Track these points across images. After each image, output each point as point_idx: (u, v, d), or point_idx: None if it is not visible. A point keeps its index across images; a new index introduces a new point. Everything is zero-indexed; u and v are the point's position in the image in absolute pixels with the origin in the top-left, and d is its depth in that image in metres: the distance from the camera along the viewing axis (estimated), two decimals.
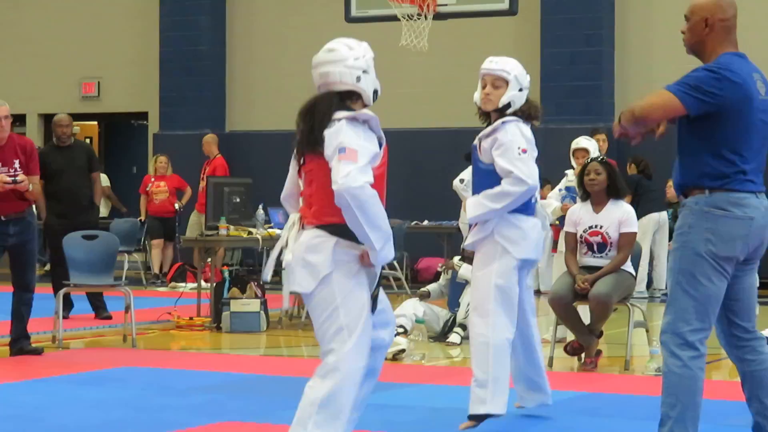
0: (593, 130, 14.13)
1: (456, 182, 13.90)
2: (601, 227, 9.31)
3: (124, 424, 7.25)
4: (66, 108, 17.53)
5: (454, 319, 11.01)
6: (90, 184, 12.64)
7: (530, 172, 6.62)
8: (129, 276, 17.28)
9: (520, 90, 6.79)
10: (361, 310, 5.51)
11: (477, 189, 6.83)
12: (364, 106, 5.63)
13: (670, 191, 16.35)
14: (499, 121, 6.73)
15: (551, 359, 9.32)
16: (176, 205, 18.00)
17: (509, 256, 6.67)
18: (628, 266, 9.31)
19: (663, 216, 15.73)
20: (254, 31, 20.08)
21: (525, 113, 6.79)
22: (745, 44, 5.67)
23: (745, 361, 5.60)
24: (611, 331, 10.57)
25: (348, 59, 5.58)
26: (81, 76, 21.16)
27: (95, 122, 22.70)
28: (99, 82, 21.16)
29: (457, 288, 11.19)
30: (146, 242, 18.26)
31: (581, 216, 9.44)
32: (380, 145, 5.56)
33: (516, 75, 6.78)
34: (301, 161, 5.63)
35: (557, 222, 10.97)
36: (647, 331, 9.87)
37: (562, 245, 9.98)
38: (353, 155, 5.35)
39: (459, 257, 11.40)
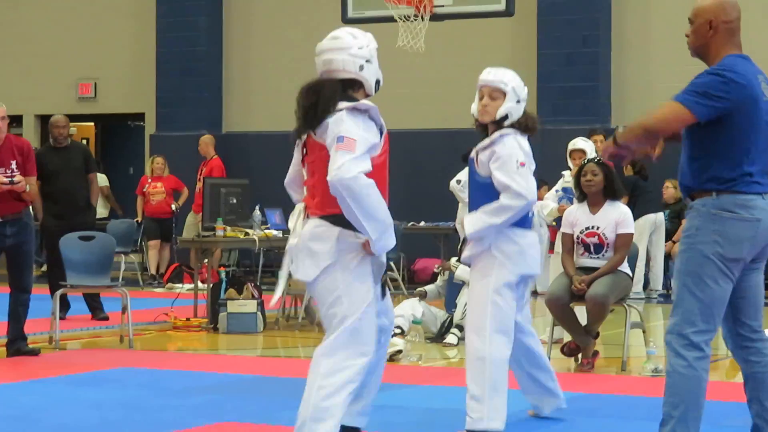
0: (591, 131, 14.14)
1: (453, 183, 13.89)
2: (597, 228, 9.32)
3: (121, 424, 7.25)
4: (63, 109, 17.51)
5: (451, 319, 11.01)
6: (87, 185, 12.64)
7: (528, 186, 6.56)
8: (126, 277, 17.23)
9: (518, 102, 6.72)
10: (364, 300, 5.57)
11: (474, 202, 6.77)
12: (366, 95, 5.67)
13: (667, 192, 16.37)
14: (497, 134, 6.68)
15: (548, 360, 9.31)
16: (173, 206, 18.00)
17: (506, 271, 6.60)
18: (624, 267, 9.32)
19: (659, 217, 15.74)
20: (251, 32, 20.08)
21: (522, 125, 6.72)
22: (746, 45, 5.67)
23: (750, 362, 5.61)
24: (608, 332, 10.57)
25: (352, 48, 5.62)
26: (78, 77, 21.15)
27: (92, 123, 22.70)
28: (96, 83, 21.15)
29: (454, 289, 11.19)
30: (143, 243, 18.25)
31: (578, 217, 9.44)
32: (381, 134, 5.60)
33: (514, 87, 6.73)
34: (304, 151, 5.68)
35: (554, 223, 10.98)
36: (644, 331, 9.87)
37: (558, 246, 9.98)
38: (351, 145, 5.40)
39: (456, 258, 11.40)
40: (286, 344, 11.69)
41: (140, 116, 21.23)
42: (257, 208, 12.89)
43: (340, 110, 5.52)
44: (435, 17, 12.73)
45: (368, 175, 5.48)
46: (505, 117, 6.70)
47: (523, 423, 7.12)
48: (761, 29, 15.57)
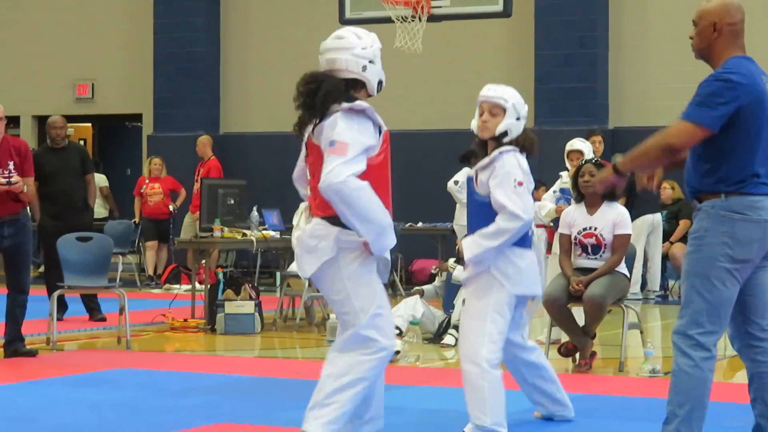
0: (589, 132, 14.15)
1: (450, 184, 13.91)
2: (595, 229, 9.32)
3: (118, 425, 7.25)
4: (60, 110, 17.52)
5: (449, 320, 11.02)
6: (84, 185, 12.64)
7: (525, 206, 6.52)
8: (123, 278, 17.20)
9: (518, 119, 6.69)
10: (373, 296, 5.59)
11: (472, 222, 6.74)
12: (368, 95, 5.68)
13: (664, 193, 16.36)
14: (497, 152, 6.64)
15: None
16: (171, 207, 18.00)
17: (504, 291, 6.56)
18: (622, 268, 9.32)
19: (657, 218, 15.73)
20: (249, 32, 20.07)
21: (521, 144, 6.69)
22: (749, 46, 5.68)
23: (756, 361, 5.63)
24: (605, 332, 10.57)
25: (356, 48, 5.63)
26: (75, 77, 21.15)
27: (89, 124, 22.68)
28: (93, 84, 21.14)
29: (452, 290, 11.19)
30: (140, 244, 18.25)
31: (575, 218, 9.45)
32: (379, 133, 5.60)
33: (514, 103, 6.71)
34: (305, 151, 5.71)
35: (551, 224, 10.98)
36: (641, 332, 9.87)
37: (556, 247, 9.98)
38: (342, 149, 5.42)
39: (454, 259, 11.41)
40: (284, 345, 11.69)
41: (138, 117, 21.22)
42: (255, 208, 12.89)
43: (336, 112, 5.53)
44: (432, 18, 12.75)
45: (366, 176, 5.49)
46: (505, 134, 6.67)
47: (523, 423, 7.11)
48: (764, 30, 15.56)
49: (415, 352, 10.47)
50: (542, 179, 13.35)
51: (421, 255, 17.66)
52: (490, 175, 6.61)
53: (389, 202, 5.74)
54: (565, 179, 10.96)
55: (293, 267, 12.15)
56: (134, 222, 18.23)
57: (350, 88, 5.62)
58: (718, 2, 5.55)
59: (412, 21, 12.65)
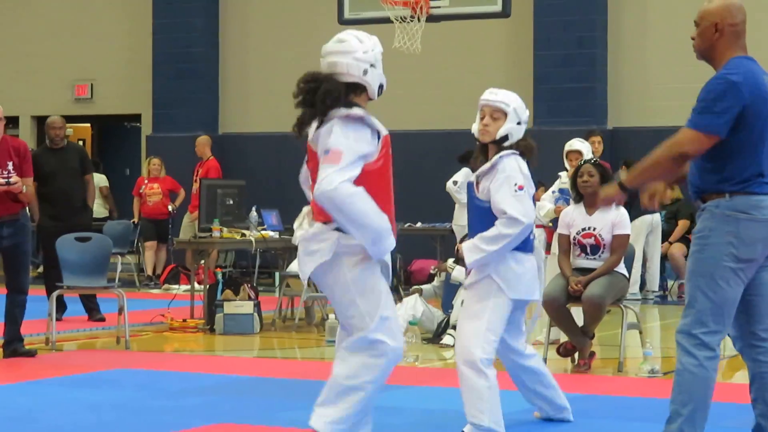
0: (588, 132, 14.14)
1: (449, 184, 13.91)
2: (594, 229, 9.33)
3: (117, 426, 7.25)
4: (59, 110, 17.52)
5: (448, 320, 11.02)
6: (83, 186, 12.63)
7: (525, 210, 6.52)
8: (122, 278, 17.25)
9: (519, 123, 6.69)
10: (379, 297, 5.59)
11: (474, 227, 6.74)
12: (369, 99, 5.68)
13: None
14: (497, 156, 6.65)
15: (545, 361, 9.30)
16: (170, 207, 18.00)
17: (504, 297, 6.57)
18: (621, 268, 9.33)
19: (656, 218, 15.74)
20: (247, 33, 20.07)
21: (521, 148, 6.69)
22: (750, 46, 5.69)
23: (758, 362, 5.64)
24: (604, 332, 10.58)
25: (357, 51, 5.62)
26: (74, 78, 21.14)
27: (88, 124, 22.68)
28: (92, 85, 21.14)
29: (451, 290, 11.20)
30: (139, 244, 18.25)
31: (574, 218, 9.45)
32: (378, 138, 5.60)
33: (515, 108, 6.71)
34: (307, 156, 5.72)
35: (550, 224, 10.98)
36: (640, 332, 9.88)
37: (555, 247, 9.99)
38: (336, 157, 5.42)
39: (453, 259, 11.41)
40: (283, 345, 11.69)
41: (137, 117, 21.22)
42: (254, 209, 12.89)
43: (333, 119, 5.52)
44: (431, 18, 12.74)
45: (365, 182, 5.48)
46: (506, 138, 6.68)
47: (522, 424, 7.12)
48: (764, 30, 15.56)
49: (414, 353, 10.48)
50: (541, 179, 13.34)
51: (419, 255, 17.66)
52: (492, 180, 6.61)
53: (391, 207, 5.74)
54: (564, 179, 10.96)
55: (292, 267, 12.16)
56: (133, 222, 18.23)
57: (351, 92, 5.62)
58: (720, 3, 5.56)
59: (411, 21, 12.65)
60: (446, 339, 10.83)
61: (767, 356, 5.62)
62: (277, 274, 13.36)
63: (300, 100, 5.65)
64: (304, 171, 5.94)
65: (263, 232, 12.70)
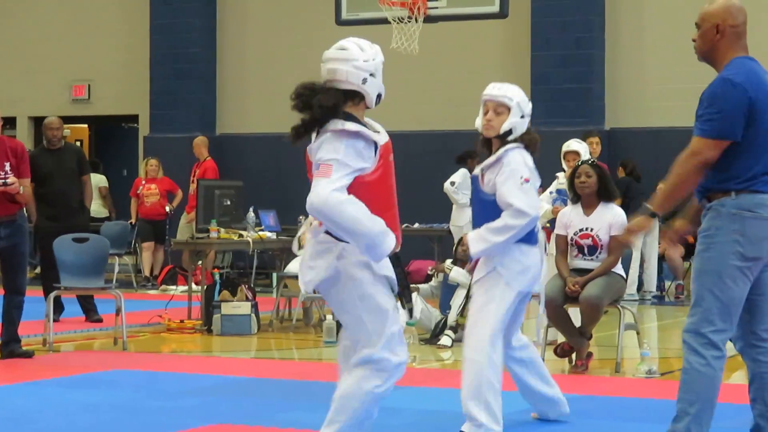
0: (586, 133, 14.15)
1: (447, 185, 13.92)
2: (591, 230, 9.33)
3: (115, 426, 7.25)
4: (56, 111, 17.50)
5: (445, 321, 11.02)
6: (80, 186, 12.63)
7: (531, 203, 6.56)
8: (119, 279, 17.28)
9: (522, 117, 6.73)
10: (386, 315, 5.58)
11: (477, 220, 6.75)
12: (366, 107, 5.67)
13: None
14: (502, 149, 6.68)
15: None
16: (167, 208, 17.99)
17: (510, 290, 6.62)
18: (618, 269, 9.33)
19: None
20: (245, 33, 20.07)
21: (525, 141, 6.74)
22: (751, 47, 5.70)
23: (758, 362, 5.65)
24: (602, 333, 10.58)
25: (358, 60, 5.60)
26: (71, 78, 21.14)
27: (86, 125, 22.68)
28: (89, 85, 21.14)
29: (448, 290, 11.20)
30: (137, 245, 18.25)
31: (572, 219, 9.45)
32: (376, 148, 5.58)
33: (518, 102, 6.73)
34: (307, 165, 5.72)
35: (548, 224, 10.98)
36: (638, 333, 9.88)
37: (552, 248, 9.99)
38: (327, 171, 5.41)
39: (451, 260, 11.41)
40: (280, 346, 11.69)
41: (134, 118, 21.22)
42: (251, 209, 12.89)
43: (327, 132, 5.50)
44: (429, 19, 12.74)
45: (363, 192, 5.44)
46: (509, 132, 6.71)
47: (521, 424, 7.12)
48: (764, 30, 15.56)
49: (412, 353, 10.47)
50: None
51: (417, 256, 17.64)
52: (497, 173, 6.62)
53: (394, 212, 5.69)
54: (561, 180, 10.96)
55: (290, 268, 12.15)
56: (131, 223, 18.22)
57: (349, 99, 5.60)
58: (721, 4, 5.57)
59: (409, 22, 12.65)
60: (443, 340, 10.83)
61: (767, 356, 5.63)
62: (274, 275, 13.37)
63: (293, 105, 5.64)
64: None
65: (261, 233, 12.70)
